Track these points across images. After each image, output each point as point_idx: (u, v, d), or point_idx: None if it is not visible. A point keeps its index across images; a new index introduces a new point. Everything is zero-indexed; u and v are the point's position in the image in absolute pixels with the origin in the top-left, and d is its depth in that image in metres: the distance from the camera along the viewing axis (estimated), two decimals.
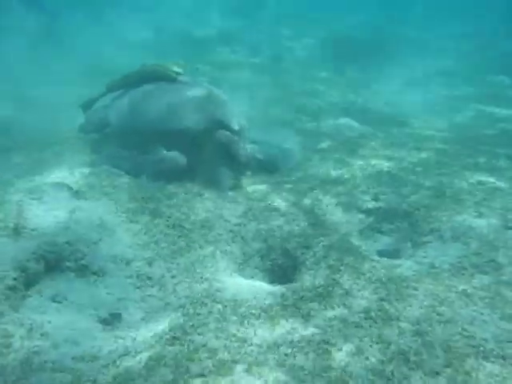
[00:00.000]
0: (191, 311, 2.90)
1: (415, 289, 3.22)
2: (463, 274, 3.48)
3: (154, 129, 4.73)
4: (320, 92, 9.07)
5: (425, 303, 3.03)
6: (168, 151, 4.66)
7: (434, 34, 13.98)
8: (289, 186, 4.80)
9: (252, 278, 3.64)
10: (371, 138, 6.47)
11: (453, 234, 4.07)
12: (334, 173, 5.20)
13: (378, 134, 6.64)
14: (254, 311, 2.96)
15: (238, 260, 3.75)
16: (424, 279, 3.36)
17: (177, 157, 4.61)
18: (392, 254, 4.29)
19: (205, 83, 5.48)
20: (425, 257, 3.90)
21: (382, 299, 3.10)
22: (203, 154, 4.67)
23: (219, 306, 2.98)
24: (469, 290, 3.16)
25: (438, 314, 2.91)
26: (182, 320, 2.81)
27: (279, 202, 4.48)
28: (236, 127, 4.78)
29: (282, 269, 3.87)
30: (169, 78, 5.14)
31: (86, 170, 4.48)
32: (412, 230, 4.38)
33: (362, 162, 5.47)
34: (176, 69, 5.24)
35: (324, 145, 6.10)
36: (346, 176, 5.11)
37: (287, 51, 12.55)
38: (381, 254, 4.26)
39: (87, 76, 7.69)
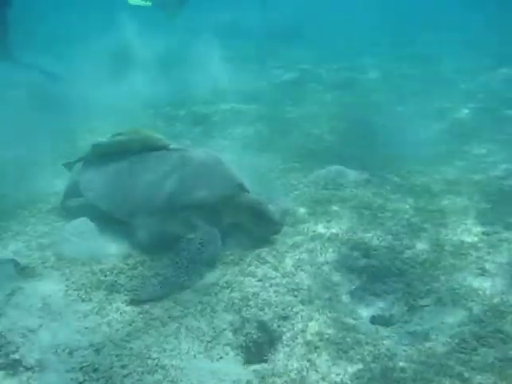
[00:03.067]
0: None
1: (404, 371, 2.86)
2: (463, 349, 3.10)
3: (169, 206, 4.36)
4: None
5: None
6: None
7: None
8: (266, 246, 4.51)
9: (221, 358, 3.30)
10: None
11: (452, 297, 3.72)
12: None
13: None
14: None
15: (205, 338, 3.42)
16: (415, 357, 3.00)
17: (214, 230, 4.24)
18: (385, 320, 3.95)
19: (200, 147, 5.33)
20: (420, 325, 3.54)
21: None
22: (223, 223, 4.46)
23: None
24: (466, 374, 2.77)
25: None
26: None
27: (256, 265, 4.19)
28: (247, 186, 4.70)
29: (257, 345, 3.53)
30: (160, 148, 4.86)
31: (46, 241, 4.28)
32: (407, 291, 4.04)
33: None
34: (160, 136, 5.04)
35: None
36: (332, 231, 4.83)
37: None
38: (373, 320, 3.93)
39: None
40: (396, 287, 4.14)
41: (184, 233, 4.23)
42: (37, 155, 6.44)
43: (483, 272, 3.96)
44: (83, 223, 4.41)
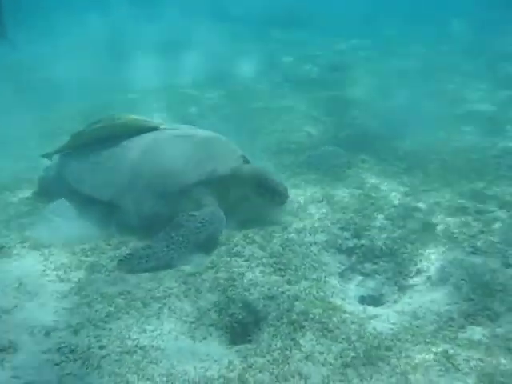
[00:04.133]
0: None
1: (388, 349, 2.82)
2: (450, 327, 3.06)
3: (176, 185, 4.20)
4: None
5: (397, 370, 2.61)
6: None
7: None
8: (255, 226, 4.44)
9: (204, 339, 3.25)
10: None
11: (442, 276, 3.67)
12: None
13: None
14: None
15: (189, 318, 3.37)
16: (401, 336, 2.96)
17: (219, 212, 4.11)
18: (375, 299, 3.92)
19: (185, 126, 5.12)
20: (409, 304, 3.50)
21: (346, 365, 2.71)
22: (230, 198, 4.38)
23: None
24: (451, 351, 2.73)
25: None
26: None
27: (243, 245, 4.13)
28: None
29: (242, 325, 3.49)
30: (150, 129, 4.66)
31: (26, 221, 4.22)
32: (398, 270, 4.00)
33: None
34: (147, 119, 4.85)
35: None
36: (323, 210, 4.76)
37: None
38: (362, 300, 3.90)
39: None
40: (387, 267, 4.10)
41: (189, 209, 4.09)
42: (23, 134, 6.37)
43: (475, 250, 3.91)
44: (65, 203, 4.35)
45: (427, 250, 4.01)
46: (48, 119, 7.68)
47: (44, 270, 3.44)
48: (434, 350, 2.76)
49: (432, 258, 3.89)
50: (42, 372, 2.71)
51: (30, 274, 3.36)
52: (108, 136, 4.61)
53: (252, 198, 4.48)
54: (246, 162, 4.67)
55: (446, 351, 2.74)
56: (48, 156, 5.05)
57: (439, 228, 4.31)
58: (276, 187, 4.46)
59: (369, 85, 10.31)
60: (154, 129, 4.69)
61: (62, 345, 2.90)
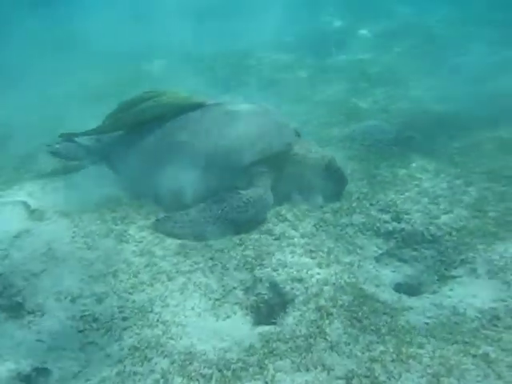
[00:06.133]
0: (128, 369, 2.54)
1: (421, 346, 2.63)
2: (494, 327, 2.82)
3: (227, 168, 4.05)
4: None
5: (428, 370, 2.43)
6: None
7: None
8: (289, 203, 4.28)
9: (228, 317, 3.20)
10: None
11: (489, 269, 3.39)
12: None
13: None
14: (205, 371, 2.54)
15: (214, 295, 3.32)
16: (437, 333, 2.76)
17: (267, 196, 4.00)
18: (412, 288, 3.70)
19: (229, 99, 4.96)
20: (449, 296, 3.27)
21: (373, 360, 2.56)
22: (283, 173, 4.27)
23: (165, 362, 2.59)
24: (493, 355, 2.51)
25: None
26: (115, 381, 2.46)
27: (274, 222, 4.00)
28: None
29: (267, 306, 3.41)
30: (195, 106, 4.42)
31: (60, 185, 4.28)
32: (440, 259, 3.74)
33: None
34: (185, 94, 4.58)
35: None
36: (363, 190, 4.51)
37: None
38: (398, 287, 3.69)
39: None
40: (427, 254, 3.85)
41: (240, 187, 4.01)
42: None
43: None
44: (97, 170, 4.38)
45: (474, 240, 3.71)
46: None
47: (73, 237, 3.49)
48: (472, 351, 2.55)
49: (479, 248, 3.60)
50: (66, 338, 2.76)
51: (59, 240, 3.42)
52: (152, 117, 4.42)
53: (313, 180, 4.33)
54: (298, 135, 4.51)
55: (486, 354, 2.52)
56: (67, 136, 4.79)
57: (490, 215, 3.96)
58: (343, 174, 4.36)
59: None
60: (199, 105, 4.45)
61: (86, 312, 2.94)
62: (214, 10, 12.53)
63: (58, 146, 4.68)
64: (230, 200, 3.92)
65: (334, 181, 4.35)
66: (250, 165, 4.09)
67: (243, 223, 3.88)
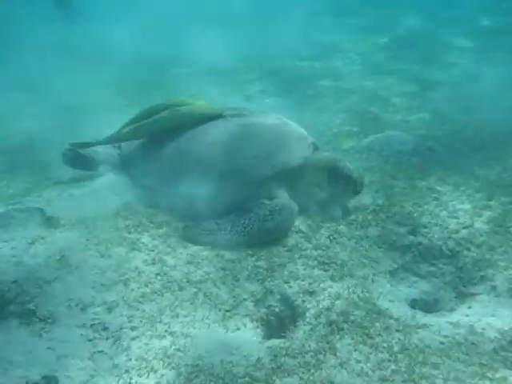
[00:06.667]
0: (134, 380, 2.53)
1: (435, 367, 2.54)
2: None
3: (243, 182, 4.06)
4: None
5: None
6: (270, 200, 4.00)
7: None
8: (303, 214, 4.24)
9: (238, 330, 3.17)
10: None
11: (511, 287, 3.27)
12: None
13: None
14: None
15: (224, 306, 3.30)
16: (452, 353, 2.66)
17: (291, 203, 4.01)
18: (428, 305, 3.60)
19: (248, 109, 4.80)
20: (467, 315, 3.16)
21: (384, 379, 2.48)
22: (301, 187, 4.26)
23: (171, 375, 2.57)
24: (511, 379, 2.40)
25: None
26: None
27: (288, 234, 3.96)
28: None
29: (278, 319, 3.36)
30: (213, 117, 4.44)
31: (77, 192, 4.35)
32: (458, 275, 3.63)
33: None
34: (203, 102, 4.66)
35: None
36: (379, 202, 4.43)
37: None
38: (414, 303, 3.60)
39: None
40: (445, 270, 3.75)
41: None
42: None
43: None
44: (115, 178, 4.44)
45: (495, 256, 3.60)
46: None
47: (86, 245, 3.52)
48: (489, 375, 2.45)
49: (500, 266, 3.48)
50: (76, 347, 2.77)
51: (73, 247, 3.45)
52: (171, 127, 4.45)
53: (324, 187, 4.29)
54: (316, 148, 4.48)
55: (505, 378, 2.42)
56: (84, 146, 4.73)
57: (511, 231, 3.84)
58: (350, 174, 4.25)
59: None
60: (218, 116, 4.46)
61: (96, 321, 2.95)
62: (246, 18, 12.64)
63: (67, 153, 4.70)
64: (256, 210, 3.93)
65: (342, 183, 4.25)
66: (264, 180, 4.08)
67: (271, 232, 3.85)
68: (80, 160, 4.72)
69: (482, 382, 2.40)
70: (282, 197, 4.06)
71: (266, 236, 3.85)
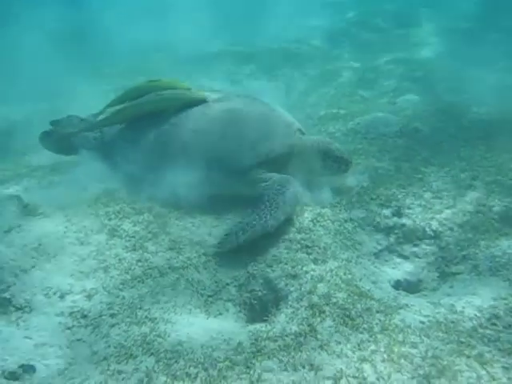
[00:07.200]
0: (112, 367, 2.51)
1: (414, 346, 2.55)
2: (493, 326, 2.72)
3: (229, 171, 4.04)
4: None
5: (419, 371, 2.36)
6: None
7: None
8: None
9: (220, 315, 3.16)
10: None
11: (491, 265, 3.28)
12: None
13: None
14: (191, 370, 2.50)
15: (206, 291, 3.29)
16: (432, 332, 2.67)
17: (289, 177, 3.99)
18: (411, 285, 3.62)
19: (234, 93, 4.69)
20: (448, 294, 3.18)
21: (363, 359, 2.49)
22: (288, 171, 4.20)
23: (150, 361, 2.56)
24: (488, 355, 2.42)
25: None
26: (98, 380, 2.43)
27: None
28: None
29: (261, 303, 3.36)
30: (198, 101, 4.33)
31: (57, 179, 4.28)
32: (441, 255, 3.64)
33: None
34: (188, 86, 4.50)
35: None
36: (364, 184, 4.41)
37: None
38: (397, 284, 3.61)
39: None
40: (428, 250, 3.76)
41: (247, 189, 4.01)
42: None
43: None
44: (96, 164, 4.36)
45: (477, 235, 3.60)
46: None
47: (65, 232, 3.47)
48: (467, 352, 2.46)
49: (481, 244, 3.48)
50: (54, 335, 2.75)
51: (51, 235, 3.40)
52: (153, 111, 4.35)
53: (315, 170, 4.29)
54: (302, 133, 4.44)
55: (481, 355, 2.43)
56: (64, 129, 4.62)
57: (494, 210, 3.84)
58: (342, 156, 4.28)
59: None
60: (202, 101, 4.35)
61: (75, 309, 2.93)
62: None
63: (45, 136, 4.57)
64: (266, 192, 3.83)
65: (335, 165, 4.28)
66: (250, 168, 4.04)
67: (294, 196, 3.82)
68: (60, 144, 4.60)
69: (459, 359, 2.41)
70: (274, 174, 4.03)
71: (294, 201, 3.83)
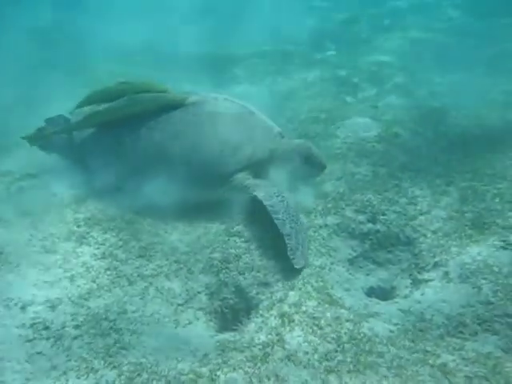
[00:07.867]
0: (71, 382, 2.44)
1: (380, 356, 2.54)
2: (460, 334, 2.72)
3: (209, 177, 4.00)
4: None
5: (383, 382, 2.34)
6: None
7: None
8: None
9: (189, 324, 3.11)
10: None
11: (461, 272, 3.29)
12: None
13: None
14: (153, 383, 2.44)
15: (176, 300, 3.24)
16: (399, 341, 2.66)
17: (271, 183, 4.04)
18: (385, 292, 3.62)
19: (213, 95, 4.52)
20: (419, 302, 3.17)
21: (329, 370, 2.46)
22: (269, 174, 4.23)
23: (112, 375, 2.51)
24: (452, 364, 2.41)
25: None
26: None
27: (245, 224, 3.90)
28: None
29: (233, 312, 3.32)
30: (177, 104, 4.21)
31: (25, 184, 4.19)
32: (414, 262, 3.64)
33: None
34: (166, 87, 4.36)
35: None
36: (340, 189, 4.41)
37: None
38: (371, 291, 3.61)
39: None
40: (402, 257, 3.76)
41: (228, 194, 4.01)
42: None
43: (506, 245, 3.46)
44: (68, 169, 4.29)
45: (449, 242, 3.61)
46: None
47: (30, 240, 3.39)
48: (431, 361, 2.45)
49: (453, 251, 3.49)
50: (12, 348, 2.67)
51: (14, 243, 3.32)
52: (128, 115, 4.23)
53: (295, 173, 4.27)
54: (283, 137, 4.44)
55: (444, 364, 2.42)
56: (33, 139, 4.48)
57: (467, 216, 3.85)
58: (321, 160, 4.38)
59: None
60: (181, 104, 4.23)
61: (37, 320, 2.85)
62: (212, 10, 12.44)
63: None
64: (273, 209, 3.76)
65: (314, 169, 4.37)
66: (231, 174, 4.01)
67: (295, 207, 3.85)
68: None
69: (423, 368, 2.40)
70: (259, 182, 4.02)
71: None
